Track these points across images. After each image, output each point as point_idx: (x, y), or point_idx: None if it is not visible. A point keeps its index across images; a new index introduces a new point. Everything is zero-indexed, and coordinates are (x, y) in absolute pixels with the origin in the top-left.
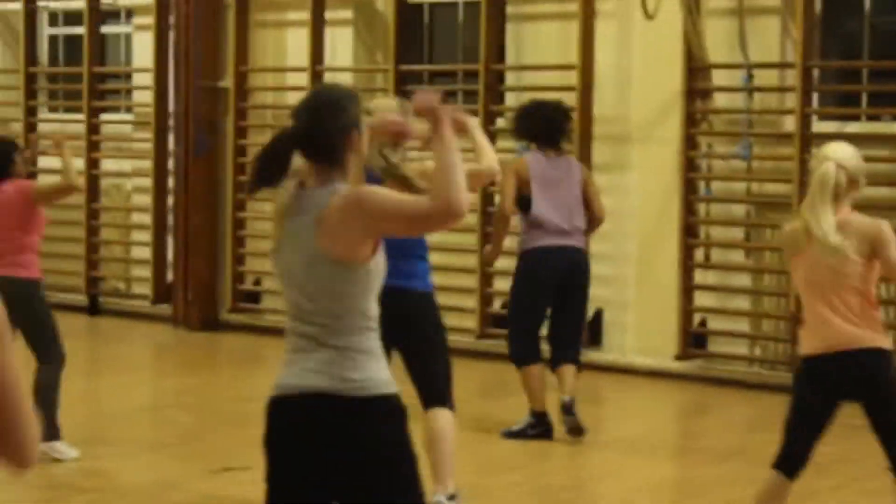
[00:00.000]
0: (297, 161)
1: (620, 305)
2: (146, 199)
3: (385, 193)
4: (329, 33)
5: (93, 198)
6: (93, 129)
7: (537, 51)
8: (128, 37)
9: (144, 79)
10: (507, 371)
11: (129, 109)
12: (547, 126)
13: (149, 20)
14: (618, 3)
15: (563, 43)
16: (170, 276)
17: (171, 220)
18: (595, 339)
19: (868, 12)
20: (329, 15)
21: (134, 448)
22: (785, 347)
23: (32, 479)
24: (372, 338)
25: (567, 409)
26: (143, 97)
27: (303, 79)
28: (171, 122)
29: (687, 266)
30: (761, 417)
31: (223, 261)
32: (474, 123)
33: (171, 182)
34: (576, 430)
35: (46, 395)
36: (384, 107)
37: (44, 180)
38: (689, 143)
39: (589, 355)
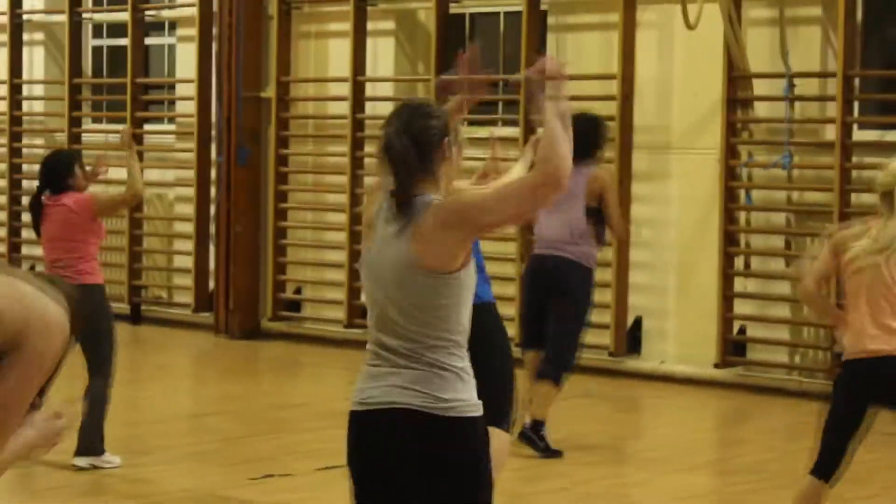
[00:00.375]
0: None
1: (660, 313)
2: (188, 209)
3: (477, 189)
4: (371, 44)
5: (136, 207)
6: (136, 139)
7: (578, 60)
8: (171, 48)
9: (188, 89)
10: None
11: (171, 120)
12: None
13: (192, 31)
14: (659, 14)
15: (604, 53)
16: (211, 285)
17: (212, 229)
18: (634, 346)
19: None
20: (371, 26)
21: (175, 455)
22: (825, 355)
23: (76, 487)
24: (463, 355)
25: (523, 432)
26: (186, 108)
27: (344, 89)
28: (213, 132)
29: (727, 274)
30: (801, 425)
31: (264, 270)
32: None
33: (213, 191)
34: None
35: (99, 410)
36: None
37: (104, 192)
38: (730, 152)
39: (628, 363)
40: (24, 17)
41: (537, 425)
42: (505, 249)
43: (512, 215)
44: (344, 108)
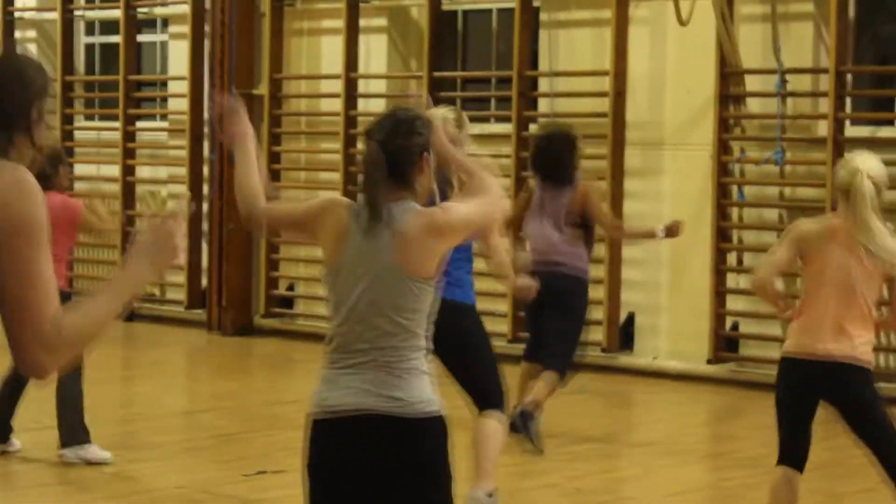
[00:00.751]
0: None
1: (653, 309)
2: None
3: (457, 204)
4: (363, 41)
5: (128, 204)
6: (128, 136)
7: (571, 57)
8: (164, 45)
9: (180, 86)
10: None
11: (164, 117)
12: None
13: (184, 29)
14: (651, 10)
15: (597, 49)
16: (204, 282)
17: (205, 226)
18: (627, 342)
19: None
20: (363, 22)
21: (168, 452)
22: None
23: (67, 482)
24: (426, 357)
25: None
26: (179, 105)
27: (337, 86)
28: (205, 130)
29: (719, 270)
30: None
31: (257, 266)
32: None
33: (205, 189)
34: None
35: (73, 401)
36: (439, 116)
37: (88, 210)
38: (723, 148)
39: (620, 359)
40: (17, 14)
41: (526, 415)
42: None
43: (472, 235)
44: (336, 104)
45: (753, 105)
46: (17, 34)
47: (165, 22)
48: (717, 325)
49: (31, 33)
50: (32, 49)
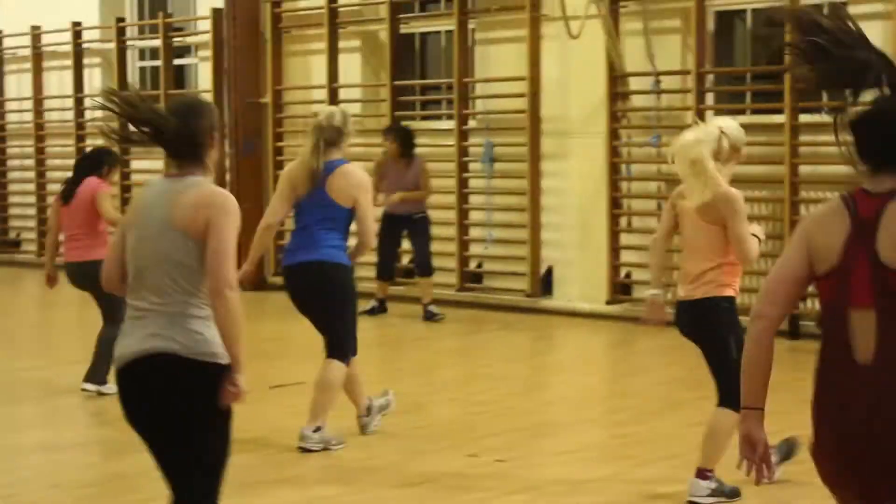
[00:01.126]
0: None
1: (566, 263)
2: None
3: (227, 223)
4: (342, 59)
5: None
6: None
7: (497, 66)
8: (196, 66)
9: (206, 98)
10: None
11: None
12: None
13: (209, 53)
14: (556, 28)
15: (517, 60)
16: None
17: None
18: (547, 289)
19: (749, 27)
20: (342, 45)
21: None
22: None
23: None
24: (207, 306)
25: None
26: None
27: (323, 94)
28: (225, 131)
29: (614, 231)
30: (669, 347)
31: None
32: None
33: (227, 177)
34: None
35: (106, 348)
36: (327, 113)
37: (108, 202)
38: (613, 135)
39: (542, 302)
40: (84, 45)
41: None
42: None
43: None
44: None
45: (636, 100)
46: (85, 61)
47: (195, 49)
48: (613, 274)
49: (96, 60)
50: (97, 72)
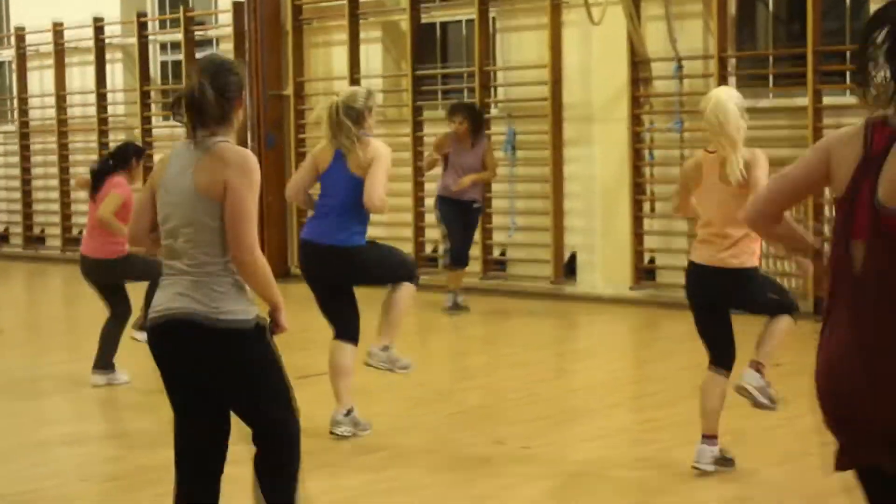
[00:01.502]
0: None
1: (589, 249)
2: None
3: (244, 184)
4: (363, 49)
5: None
6: None
7: (519, 54)
8: None
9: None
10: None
11: None
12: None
13: (230, 46)
14: (578, 15)
15: (539, 47)
16: None
17: None
18: (571, 276)
19: (771, 10)
20: (363, 35)
21: None
22: None
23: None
24: (234, 270)
25: None
26: None
27: (345, 85)
28: (248, 123)
29: (637, 217)
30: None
31: (291, 228)
32: None
33: None
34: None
35: (112, 338)
36: (349, 93)
37: (114, 203)
38: (636, 120)
39: (566, 289)
40: (106, 40)
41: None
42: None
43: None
44: None
45: (658, 85)
46: (108, 55)
47: (217, 41)
48: (637, 259)
49: (118, 54)
50: (119, 67)
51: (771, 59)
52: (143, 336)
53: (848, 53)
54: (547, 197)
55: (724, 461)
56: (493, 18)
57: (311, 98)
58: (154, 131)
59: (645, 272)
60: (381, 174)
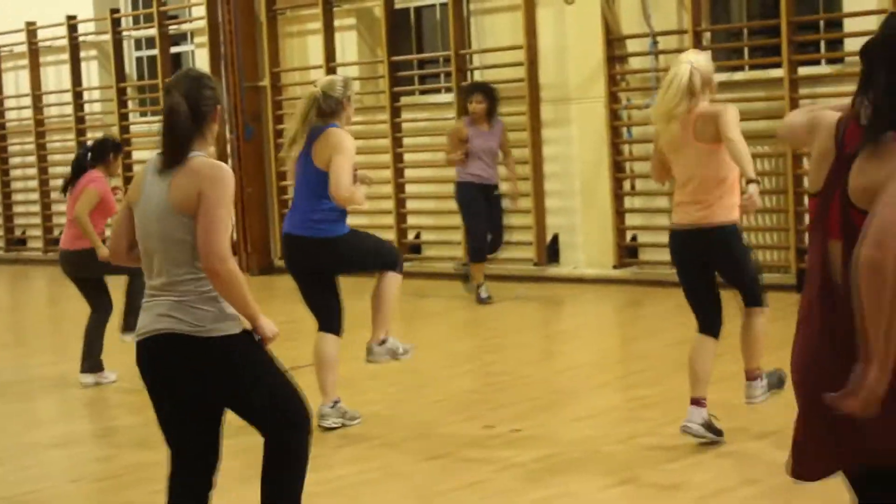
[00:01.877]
0: None
1: (571, 230)
2: None
3: (217, 195)
4: (338, 37)
5: None
6: None
7: (493, 36)
8: (192, 53)
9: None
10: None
11: None
12: None
13: (205, 39)
14: None
15: (513, 29)
16: (233, 235)
17: None
18: (554, 257)
19: None
20: (337, 23)
21: None
22: None
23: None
24: (208, 282)
25: None
26: None
27: (321, 74)
28: (225, 116)
29: (618, 195)
30: (680, 307)
31: (272, 220)
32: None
33: (229, 162)
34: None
35: (96, 334)
36: (326, 82)
37: (90, 199)
38: (613, 98)
39: (549, 270)
40: (80, 38)
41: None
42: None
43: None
44: None
45: (633, 62)
46: (82, 54)
47: (192, 35)
48: (619, 238)
49: (93, 52)
50: (94, 65)
51: (745, 31)
52: (130, 337)
53: (822, 23)
54: (527, 178)
55: (713, 429)
56: (468, 1)
57: (287, 88)
58: (132, 128)
59: (628, 250)
60: (342, 165)
